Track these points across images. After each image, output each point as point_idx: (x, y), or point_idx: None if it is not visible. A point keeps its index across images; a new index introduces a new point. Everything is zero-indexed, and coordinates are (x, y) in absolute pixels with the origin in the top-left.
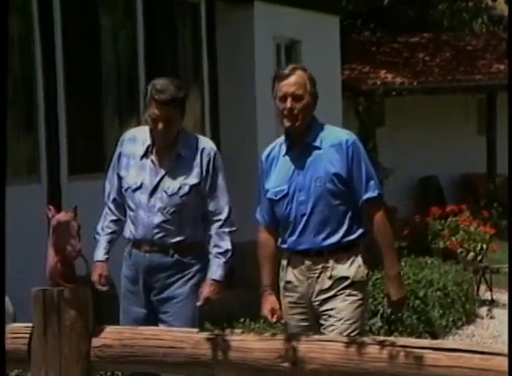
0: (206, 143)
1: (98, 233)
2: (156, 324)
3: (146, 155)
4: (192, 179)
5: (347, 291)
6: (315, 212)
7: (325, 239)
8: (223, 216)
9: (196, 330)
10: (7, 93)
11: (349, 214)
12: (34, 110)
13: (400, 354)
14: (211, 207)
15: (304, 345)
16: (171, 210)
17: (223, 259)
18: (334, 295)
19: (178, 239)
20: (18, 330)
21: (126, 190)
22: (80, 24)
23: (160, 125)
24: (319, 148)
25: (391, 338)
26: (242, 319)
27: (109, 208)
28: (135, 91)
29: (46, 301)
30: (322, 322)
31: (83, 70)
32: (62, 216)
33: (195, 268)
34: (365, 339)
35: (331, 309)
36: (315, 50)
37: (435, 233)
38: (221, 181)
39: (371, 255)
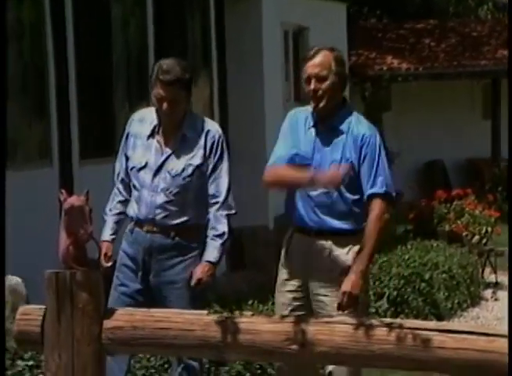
0: (212, 126)
1: (106, 214)
2: (146, 302)
3: (152, 135)
4: (196, 161)
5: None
6: (324, 193)
7: (328, 221)
8: (221, 199)
9: (205, 312)
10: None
11: (356, 204)
12: (46, 95)
13: (407, 336)
14: (211, 189)
15: (312, 328)
16: (174, 191)
17: (219, 241)
18: (332, 282)
19: (180, 221)
20: (31, 312)
21: (131, 170)
22: (91, 12)
23: (165, 105)
24: (342, 133)
25: (398, 320)
26: (251, 302)
27: (118, 189)
28: (144, 77)
29: (59, 283)
30: (317, 309)
31: (94, 57)
32: (74, 200)
33: (195, 252)
34: (373, 321)
35: (326, 296)
36: (323, 37)
37: (441, 217)
38: (223, 164)
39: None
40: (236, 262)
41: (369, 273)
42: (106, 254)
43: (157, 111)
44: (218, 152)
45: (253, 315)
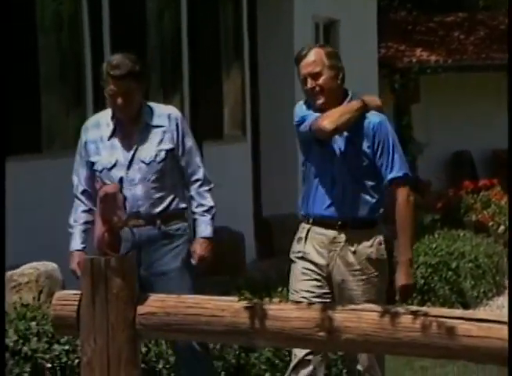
0: (170, 110)
1: (71, 226)
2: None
3: (113, 135)
4: (166, 145)
5: (370, 271)
6: (346, 183)
7: (349, 212)
8: (200, 176)
9: (235, 299)
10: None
11: (374, 191)
12: (83, 85)
13: (433, 324)
14: (189, 169)
15: (339, 315)
16: (152, 178)
17: (209, 216)
18: (358, 275)
19: (162, 207)
20: (67, 298)
21: (101, 172)
22: (126, 4)
23: (119, 100)
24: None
25: (424, 308)
26: (280, 289)
27: (80, 199)
28: (178, 68)
29: (94, 269)
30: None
31: (129, 49)
32: (109, 188)
33: (181, 240)
34: (399, 309)
35: (353, 290)
36: (353, 29)
37: (468, 207)
38: (191, 143)
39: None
40: (265, 250)
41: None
42: (79, 263)
43: (113, 110)
44: (184, 132)
45: (281, 302)
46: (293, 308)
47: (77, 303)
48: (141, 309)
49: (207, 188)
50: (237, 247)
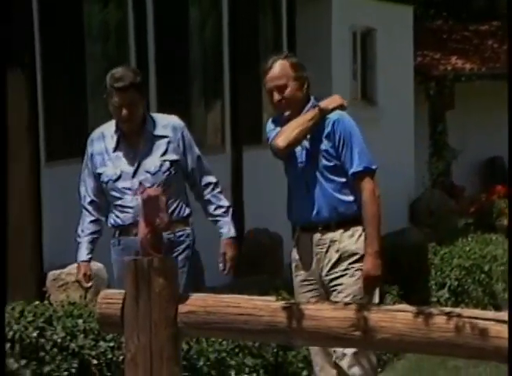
0: (173, 119)
1: (79, 236)
2: None
3: (117, 147)
4: (171, 155)
5: (356, 266)
6: (319, 185)
7: (329, 213)
8: (212, 179)
9: (273, 298)
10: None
11: (347, 188)
12: None
13: (466, 325)
14: (199, 176)
15: (374, 315)
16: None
17: (229, 216)
18: (343, 270)
19: None
20: (112, 296)
21: (107, 183)
22: (170, 13)
23: (124, 111)
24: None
25: (458, 309)
26: None
27: (87, 210)
28: (219, 75)
29: (137, 269)
30: (331, 298)
31: (172, 56)
32: (151, 191)
33: (183, 245)
34: (433, 310)
35: (340, 285)
36: (390, 38)
37: (500, 211)
38: (197, 150)
39: None
40: None
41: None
42: (85, 275)
43: (117, 122)
44: (191, 141)
45: (317, 302)
46: (330, 308)
47: (121, 302)
48: (182, 308)
49: (220, 190)
50: (276, 249)
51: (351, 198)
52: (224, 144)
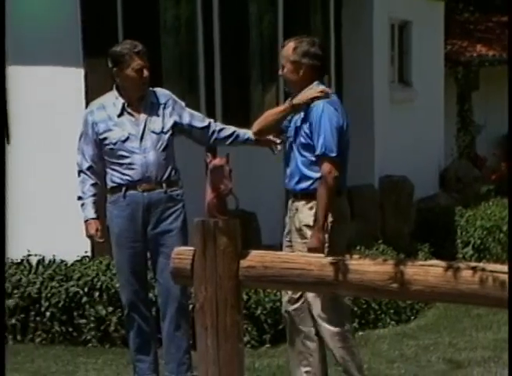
0: (162, 90)
1: (81, 197)
2: (146, 254)
3: (122, 113)
4: (170, 119)
5: (309, 233)
6: (292, 159)
7: (297, 184)
8: (209, 119)
9: (323, 255)
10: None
11: (315, 165)
12: (196, 77)
13: (489, 278)
14: (197, 119)
15: (410, 269)
16: (162, 147)
17: (239, 129)
18: (296, 237)
19: (167, 174)
20: (183, 253)
21: (115, 144)
22: (232, 9)
23: (146, 72)
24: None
25: (481, 264)
26: (358, 247)
27: (86, 174)
28: (274, 65)
29: (205, 229)
30: None
31: (234, 47)
32: (217, 161)
33: (180, 204)
34: (461, 265)
35: (299, 250)
36: (423, 29)
37: None
38: (187, 108)
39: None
40: None
41: (331, 225)
42: (97, 230)
43: (122, 90)
44: (180, 104)
45: (360, 258)
46: (371, 263)
47: (191, 257)
48: (243, 263)
49: (218, 124)
50: None
51: (317, 175)
52: None
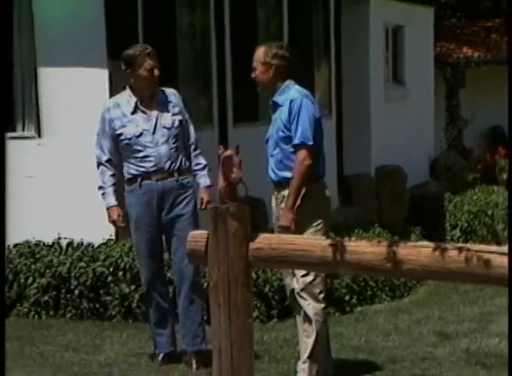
0: (171, 90)
1: (102, 187)
2: (162, 237)
3: (135, 111)
4: (178, 116)
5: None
6: (274, 154)
7: (279, 173)
8: (194, 141)
9: (324, 237)
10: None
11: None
12: (209, 77)
13: (474, 257)
14: (187, 135)
15: (403, 250)
16: (173, 140)
17: (206, 170)
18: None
19: (178, 164)
20: (198, 236)
21: (130, 139)
22: (242, 17)
23: (156, 72)
24: (280, 105)
25: (468, 245)
26: (356, 230)
27: (106, 166)
28: None
29: (217, 215)
30: None
31: (244, 49)
32: (228, 152)
33: (190, 191)
34: (448, 245)
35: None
36: (415, 33)
37: (500, 168)
38: (187, 115)
39: None
40: (345, 200)
41: (301, 206)
42: (119, 215)
43: (134, 90)
44: (183, 107)
45: (357, 240)
46: (367, 244)
47: (205, 240)
48: (252, 245)
49: (199, 151)
50: None
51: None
52: None
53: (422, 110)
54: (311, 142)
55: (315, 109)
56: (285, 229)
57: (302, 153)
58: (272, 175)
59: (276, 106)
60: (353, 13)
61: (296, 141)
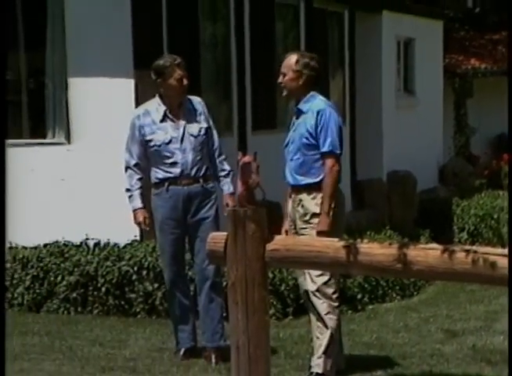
0: (197, 99)
1: (130, 190)
2: (185, 239)
3: (164, 119)
4: (204, 124)
5: (314, 221)
6: (294, 159)
7: (299, 178)
8: (217, 145)
9: (337, 239)
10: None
11: (316, 161)
12: (230, 86)
13: (480, 259)
14: (212, 143)
15: (412, 252)
16: (199, 148)
17: (230, 177)
18: (304, 222)
19: (203, 171)
20: (218, 237)
21: (160, 146)
22: (260, 27)
23: (185, 81)
24: (304, 113)
25: (474, 247)
26: (369, 232)
27: (134, 170)
28: None
29: (236, 217)
30: None
31: (262, 59)
32: (246, 158)
33: (214, 195)
34: (456, 248)
35: (303, 234)
36: (425, 45)
37: (506, 174)
38: (211, 121)
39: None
40: (358, 204)
41: (335, 211)
42: (144, 218)
43: (164, 98)
44: (208, 114)
45: (369, 242)
46: (378, 246)
47: (224, 241)
48: (269, 247)
49: (224, 156)
50: None
51: (318, 171)
52: None
53: (431, 118)
54: (339, 151)
55: (339, 119)
56: (323, 234)
57: (331, 160)
58: (290, 179)
59: (300, 113)
60: (366, 26)
61: (325, 149)
